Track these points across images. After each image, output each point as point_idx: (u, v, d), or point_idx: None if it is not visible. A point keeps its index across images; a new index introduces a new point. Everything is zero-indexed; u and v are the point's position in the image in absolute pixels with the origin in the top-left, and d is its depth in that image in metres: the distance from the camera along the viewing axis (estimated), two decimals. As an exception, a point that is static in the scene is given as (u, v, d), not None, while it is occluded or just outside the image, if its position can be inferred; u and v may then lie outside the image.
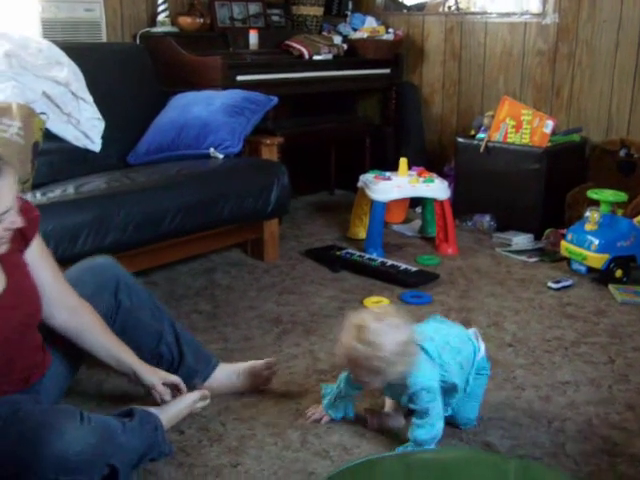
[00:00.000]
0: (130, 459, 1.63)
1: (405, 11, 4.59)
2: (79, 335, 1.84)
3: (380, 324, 1.77)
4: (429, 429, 1.82)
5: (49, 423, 1.50)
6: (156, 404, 1.91)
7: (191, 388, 1.98)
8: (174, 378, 1.96)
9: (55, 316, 1.80)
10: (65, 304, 1.81)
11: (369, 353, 1.75)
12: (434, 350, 1.86)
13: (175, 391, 1.95)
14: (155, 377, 1.91)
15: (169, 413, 1.90)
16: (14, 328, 1.62)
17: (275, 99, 3.30)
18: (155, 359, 2.01)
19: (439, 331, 1.94)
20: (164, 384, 1.92)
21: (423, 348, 1.84)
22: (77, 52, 3.14)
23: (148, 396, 1.94)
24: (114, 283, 1.97)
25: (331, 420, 2.00)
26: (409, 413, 1.94)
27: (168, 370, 2.00)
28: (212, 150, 3.09)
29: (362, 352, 1.75)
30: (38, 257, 1.75)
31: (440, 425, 1.84)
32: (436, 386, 1.83)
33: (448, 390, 1.89)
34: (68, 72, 3.02)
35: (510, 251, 3.56)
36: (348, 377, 1.93)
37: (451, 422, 1.95)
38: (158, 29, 3.79)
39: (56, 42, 3.11)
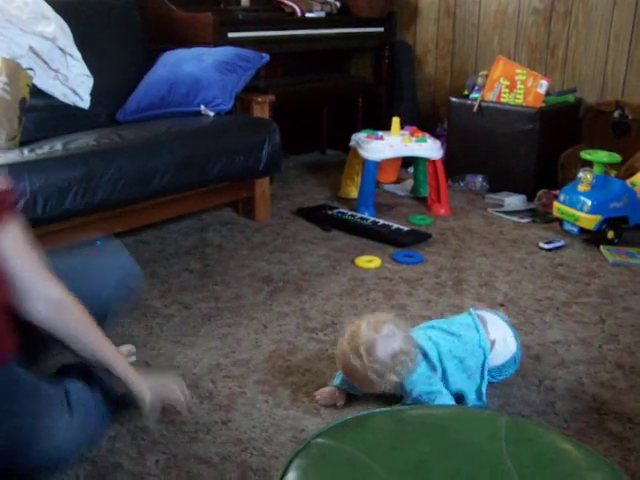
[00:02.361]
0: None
1: (399, -32, 4.51)
2: (64, 335, 1.56)
3: (375, 335, 1.75)
4: None
5: (39, 426, 1.45)
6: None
7: None
8: (175, 397, 1.73)
9: (33, 311, 1.51)
10: (45, 297, 1.52)
11: (361, 365, 1.74)
12: (436, 356, 1.83)
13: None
14: (149, 394, 1.65)
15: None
16: None
17: (267, 56, 3.25)
18: None
19: (445, 340, 1.88)
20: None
21: (425, 354, 1.83)
22: (64, 6, 3.07)
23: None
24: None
25: (347, 399, 1.91)
26: None
27: None
28: (203, 107, 3.05)
29: (355, 363, 1.75)
30: (11, 244, 1.49)
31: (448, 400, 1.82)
32: (437, 388, 1.80)
33: (456, 397, 1.86)
34: (55, 27, 2.96)
35: (502, 212, 3.55)
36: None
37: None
38: (147, -16, 3.71)
39: (43, -4, 3.04)
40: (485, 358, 1.88)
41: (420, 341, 1.84)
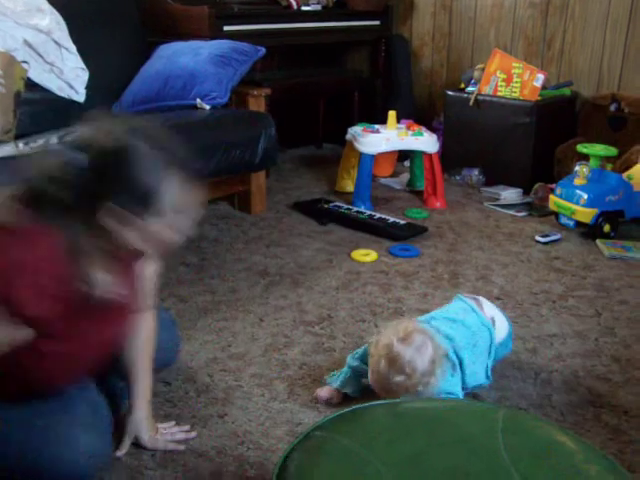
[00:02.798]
0: None
1: (395, -39, 4.50)
2: (132, 361, 1.67)
3: (410, 348, 1.71)
4: None
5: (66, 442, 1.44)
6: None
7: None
8: (175, 443, 1.72)
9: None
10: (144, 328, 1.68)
11: (410, 383, 1.70)
12: (452, 352, 1.82)
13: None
14: (152, 440, 1.69)
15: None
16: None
17: (263, 50, 3.24)
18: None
19: (457, 325, 1.89)
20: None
21: (444, 355, 1.81)
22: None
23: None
24: None
25: (344, 396, 1.90)
26: None
27: None
28: (199, 101, 3.04)
29: (401, 383, 1.70)
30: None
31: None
32: (457, 392, 1.80)
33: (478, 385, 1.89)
34: (50, 20, 2.94)
35: (498, 205, 3.55)
36: (363, 356, 1.88)
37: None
38: (143, -24, 3.69)
39: (37, -12, 3.02)
40: (492, 335, 1.90)
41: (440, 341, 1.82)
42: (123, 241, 1.34)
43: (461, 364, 1.83)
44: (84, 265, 1.31)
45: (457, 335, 1.86)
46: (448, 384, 1.78)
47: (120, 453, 1.65)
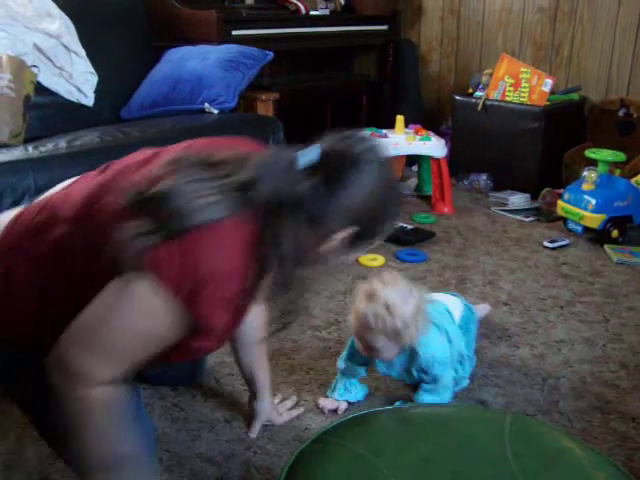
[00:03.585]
0: None
1: (404, -34, 4.51)
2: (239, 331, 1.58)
3: (394, 289, 1.71)
4: (437, 397, 1.80)
5: None
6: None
7: None
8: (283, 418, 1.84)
9: None
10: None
11: (387, 316, 1.68)
12: (440, 322, 1.85)
13: None
14: (279, 419, 1.81)
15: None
16: None
17: (271, 54, 3.24)
18: None
19: (436, 302, 1.93)
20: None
21: (436, 323, 1.84)
22: (68, 4, 3.07)
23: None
24: None
25: (348, 404, 1.89)
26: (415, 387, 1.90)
27: None
28: (207, 105, 3.04)
29: (381, 315, 1.67)
30: None
31: (448, 395, 1.82)
32: (447, 358, 1.81)
33: (459, 359, 1.90)
34: (60, 24, 2.96)
35: (506, 210, 3.55)
36: (351, 355, 1.88)
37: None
38: (152, -19, 3.71)
39: (47, -7, 3.04)
40: (452, 318, 1.95)
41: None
42: (319, 258, 1.29)
43: (448, 335, 1.86)
44: (269, 268, 1.22)
45: (438, 309, 1.91)
46: (439, 349, 1.79)
47: (253, 435, 1.76)
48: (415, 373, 1.82)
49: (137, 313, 1.14)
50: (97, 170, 1.36)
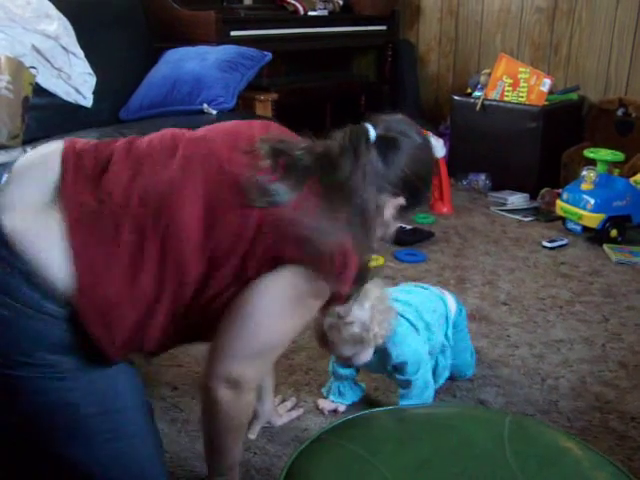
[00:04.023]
0: None
1: (402, -34, 4.51)
2: None
3: None
4: (414, 400, 1.76)
5: None
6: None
7: None
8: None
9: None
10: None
11: (341, 324, 1.62)
12: (415, 316, 1.80)
13: None
14: (280, 420, 1.82)
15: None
16: None
17: (269, 55, 3.24)
18: None
19: (413, 294, 1.91)
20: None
21: (403, 316, 1.77)
22: (67, 5, 3.07)
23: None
24: None
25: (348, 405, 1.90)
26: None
27: None
28: (205, 106, 3.04)
29: (335, 326, 1.62)
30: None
31: (428, 393, 1.79)
32: (421, 356, 1.76)
33: (441, 349, 1.89)
34: (58, 26, 2.96)
35: (505, 210, 3.55)
36: (334, 361, 1.88)
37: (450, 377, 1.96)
38: (150, -18, 3.70)
39: (45, -6, 3.04)
40: (445, 304, 1.92)
41: (398, 305, 1.79)
42: (382, 226, 1.37)
43: (428, 326, 1.82)
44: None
45: (416, 301, 1.86)
46: (411, 350, 1.74)
47: (253, 436, 1.75)
48: (390, 369, 1.79)
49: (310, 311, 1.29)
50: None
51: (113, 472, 1.27)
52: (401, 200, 1.36)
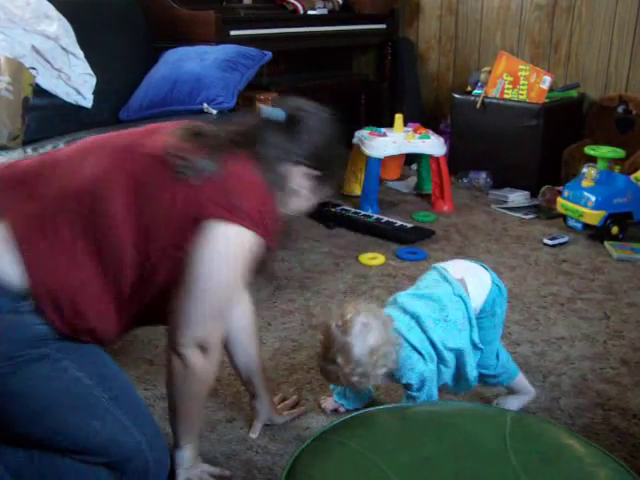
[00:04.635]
0: None
1: (401, -36, 4.51)
2: (231, 337, 1.71)
3: (346, 338, 1.57)
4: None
5: None
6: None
7: None
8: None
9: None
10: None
11: (343, 374, 1.60)
12: (419, 338, 1.68)
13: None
14: (280, 419, 1.82)
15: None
16: None
17: (269, 54, 3.24)
18: None
19: (419, 307, 1.73)
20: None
21: (406, 339, 1.67)
22: (67, 6, 3.07)
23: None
24: None
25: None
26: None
27: None
28: (205, 105, 3.04)
29: (337, 374, 1.61)
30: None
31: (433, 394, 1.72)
32: (427, 377, 1.67)
33: (460, 356, 1.72)
34: (58, 26, 2.96)
35: (506, 208, 3.55)
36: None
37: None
38: (150, -18, 3.70)
39: (45, -5, 3.04)
40: (466, 305, 1.72)
41: (397, 323, 1.68)
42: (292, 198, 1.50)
43: (433, 344, 1.68)
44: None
45: (424, 312, 1.71)
46: (416, 373, 1.66)
47: (254, 435, 1.77)
48: (395, 380, 1.72)
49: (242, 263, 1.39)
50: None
51: (115, 429, 1.38)
52: (305, 169, 1.48)
